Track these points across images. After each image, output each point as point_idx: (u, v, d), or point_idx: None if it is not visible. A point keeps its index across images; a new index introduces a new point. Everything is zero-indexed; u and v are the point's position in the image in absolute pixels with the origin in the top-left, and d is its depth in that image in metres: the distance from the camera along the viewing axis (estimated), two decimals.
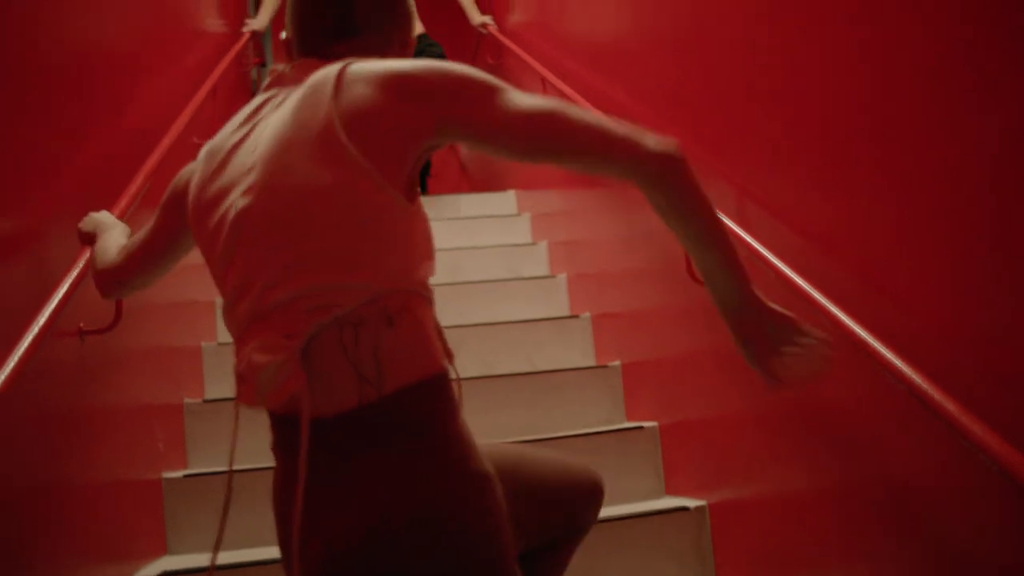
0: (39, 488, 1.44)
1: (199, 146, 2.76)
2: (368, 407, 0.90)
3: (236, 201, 0.99)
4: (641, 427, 2.40)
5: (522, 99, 0.98)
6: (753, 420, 1.87)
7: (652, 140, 0.99)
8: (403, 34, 1.14)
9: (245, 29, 4.04)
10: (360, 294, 0.92)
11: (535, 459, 1.27)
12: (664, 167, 0.98)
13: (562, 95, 2.96)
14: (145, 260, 1.27)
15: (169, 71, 2.65)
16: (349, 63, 1.00)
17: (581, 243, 3.15)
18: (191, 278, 2.72)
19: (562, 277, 3.28)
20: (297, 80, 1.05)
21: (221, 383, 2.70)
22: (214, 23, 3.47)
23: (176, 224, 1.20)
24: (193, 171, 1.13)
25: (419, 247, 0.98)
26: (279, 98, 1.06)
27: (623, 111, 2.48)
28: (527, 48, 3.52)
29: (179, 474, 2.24)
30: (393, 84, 0.96)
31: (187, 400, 2.50)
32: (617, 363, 2.70)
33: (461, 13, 4.29)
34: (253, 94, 4.63)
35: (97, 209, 1.61)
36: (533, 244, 3.64)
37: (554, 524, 1.27)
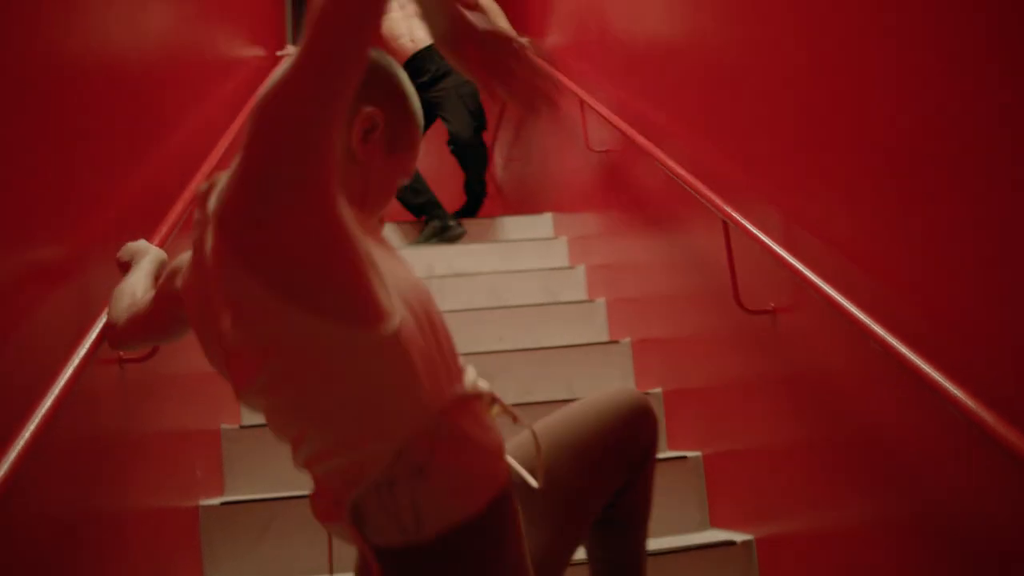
0: (78, 516, 1.42)
1: None
2: (415, 548, 0.95)
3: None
4: (684, 457, 2.35)
5: None
6: (803, 450, 1.81)
7: None
8: None
9: (280, 53, 4.08)
10: (382, 456, 0.95)
11: (567, 425, 1.27)
12: None
13: (600, 117, 2.94)
14: (146, 332, 1.31)
15: (209, 98, 2.67)
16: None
17: (620, 267, 3.10)
18: None
19: (601, 302, 3.24)
20: None
21: None
22: (251, 50, 3.50)
23: (174, 311, 1.20)
24: (184, 264, 1.13)
25: (415, 379, 0.96)
26: None
27: (664, 133, 2.44)
28: (565, 71, 3.50)
29: (216, 501, 2.22)
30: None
31: (224, 426, 2.49)
32: (658, 390, 2.65)
33: None
34: None
35: (137, 238, 1.61)
36: (571, 268, 3.60)
37: (618, 468, 1.26)
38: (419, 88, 3.98)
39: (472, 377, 1.08)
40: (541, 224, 4.13)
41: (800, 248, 1.68)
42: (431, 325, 1.01)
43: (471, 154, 4.07)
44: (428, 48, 4.03)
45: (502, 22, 4.17)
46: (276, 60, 4.00)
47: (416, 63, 4.07)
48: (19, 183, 1.31)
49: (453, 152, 4.08)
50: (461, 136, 3.99)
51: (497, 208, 5.61)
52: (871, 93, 1.49)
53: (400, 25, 4.16)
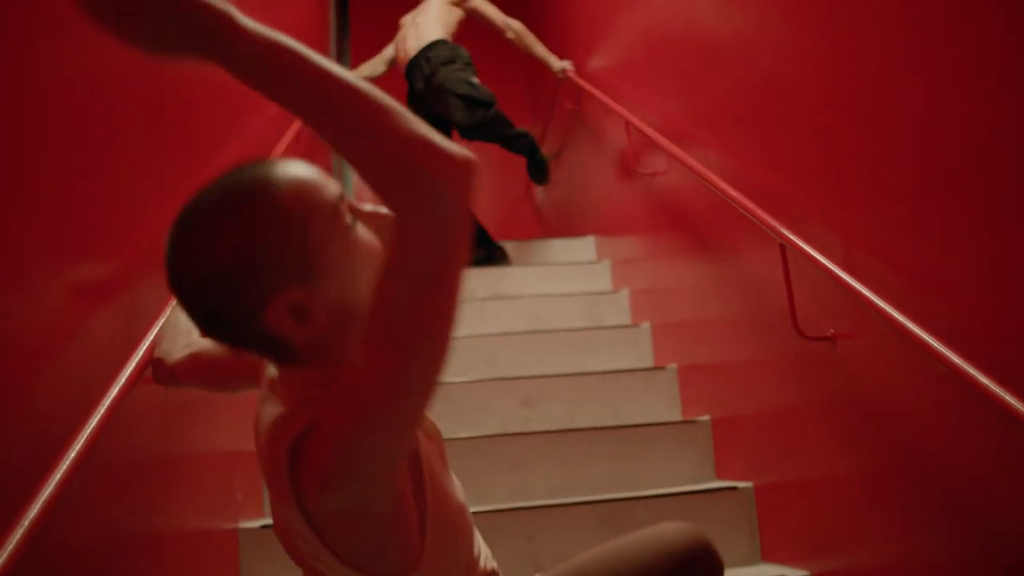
0: (120, 536, 1.40)
1: None
2: None
3: None
4: (735, 487, 2.27)
5: None
6: (862, 481, 1.73)
7: None
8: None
9: None
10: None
11: (608, 562, 1.12)
12: None
13: (645, 138, 2.89)
14: (210, 377, 1.20)
15: (254, 119, 2.68)
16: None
17: (666, 291, 3.04)
18: None
19: (646, 326, 3.18)
20: None
21: None
22: None
23: (252, 370, 1.08)
24: None
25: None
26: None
27: (715, 155, 2.39)
28: (611, 92, 3.47)
29: (256, 524, 2.19)
30: None
31: None
32: (707, 418, 2.58)
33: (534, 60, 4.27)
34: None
35: None
36: (614, 292, 3.54)
37: None
38: (419, 99, 3.94)
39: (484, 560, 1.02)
40: (583, 247, 4.08)
41: (861, 272, 1.62)
42: (454, 538, 0.95)
43: (487, 132, 3.81)
44: (415, 57, 3.96)
45: (539, 48, 4.14)
46: None
47: (408, 74, 4.02)
48: (67, 199, 1.30)
49: (472, 140, 3.82)
50: (464, 124, 3.74)
51: (538, 231, 5.59)
52: (939, 108, 1.43)
53: (401, 39, 4.15)
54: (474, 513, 1.03)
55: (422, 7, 4.14)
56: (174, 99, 1.86)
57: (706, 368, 2.65)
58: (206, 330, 0.87)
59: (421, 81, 3.90)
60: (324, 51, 4.55)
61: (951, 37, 1.40)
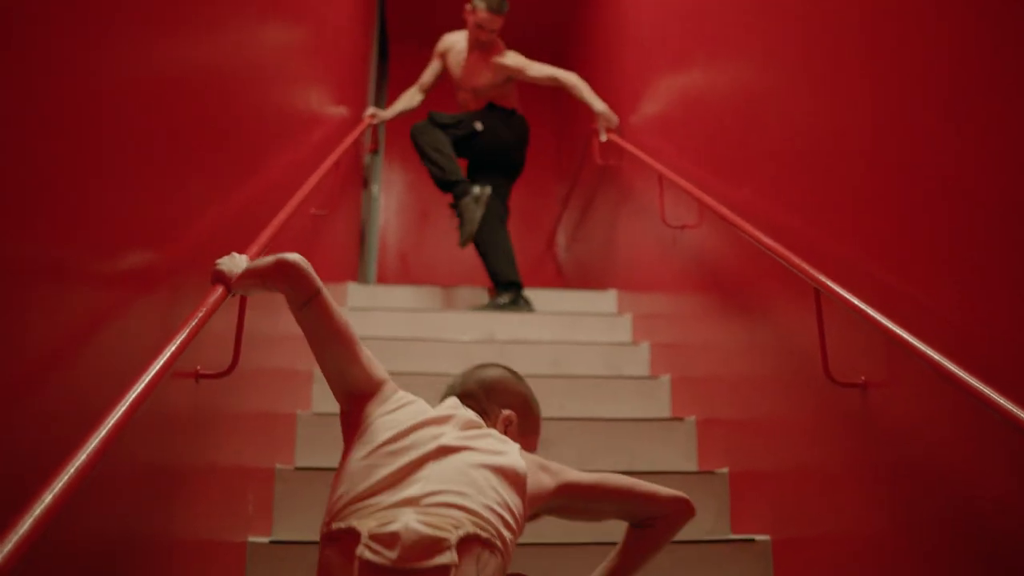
0: (129, 538, 1.38)
1: (317, 216, 2.79)
2: None
3: (444, 440, 1.39)
4: (752, 540, 2.23)
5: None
6: (894, 536, 1.69)
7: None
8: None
9: (366, 115, 4.19)
10: (503, 540, 1.30)
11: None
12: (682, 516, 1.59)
13: (676, 192, 2.93)
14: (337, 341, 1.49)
15: (299, 144, 2.73)
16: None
17: (686, 345, 3.04)
18: (296, 347, 2.72)
19: (665, 379, 3.16)
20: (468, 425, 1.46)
21: (312, 451, 2.65)
22: (336, 108, 3.60)
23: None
24: (385, 380, 1.50)
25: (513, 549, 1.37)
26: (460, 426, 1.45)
27: (746, 208, 2.41)
28: (644, 148, 3.52)
29: (265, 539, 2.17)
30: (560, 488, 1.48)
31: (279, 466, 2.45)
32: (725, 470, 2.55)
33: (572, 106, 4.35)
34: (365, 178, 4.78)
35: (226, 253, 1.61)
36: (634, 344, 3.54)
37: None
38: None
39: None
40: (605, 300, 4.09)
41: (898, 317, 1.61)
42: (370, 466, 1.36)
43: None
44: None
45: (594, 100, 4.17)
46: (358, 118, 4.11)
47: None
48: (121, 189, 1.33)
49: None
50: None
51: (559, 284, 5.61)
52: (971, 152, 1.45)
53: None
54: None
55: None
56: (234, 117, 1.92)
57: (727, 421, 2.63)
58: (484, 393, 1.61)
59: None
60: (364, 89, 4.65)
61: (982, 87, 1.42)
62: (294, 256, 1.44)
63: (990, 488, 1.40)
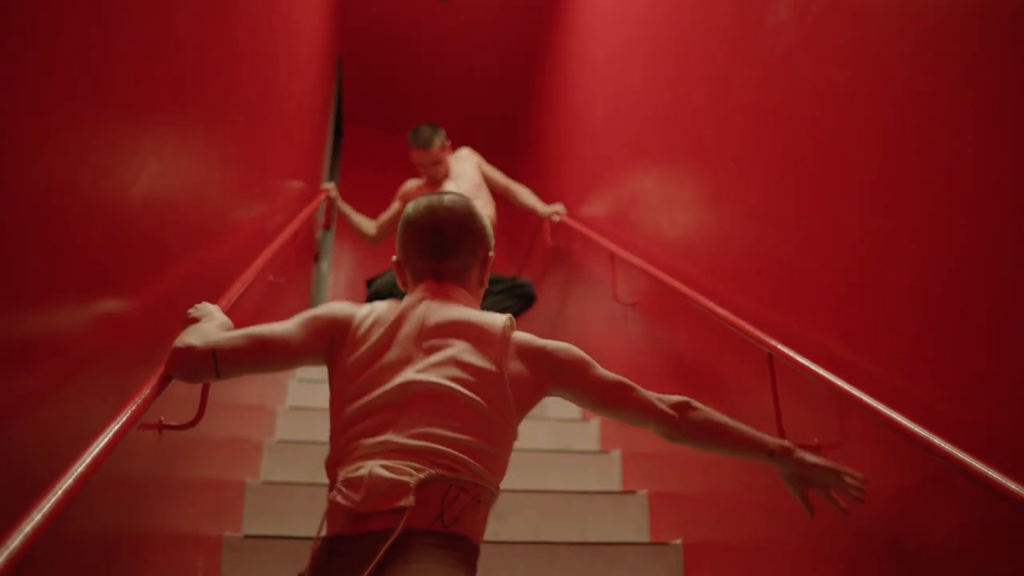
0: None
1: (274, 284, 2.80)
2: (433, 532, 1.26)
3: (411, 374, 1.37)
4: None
5: (604, 371, 1.48)
6: None
7: (669, 403, 1.49)
8: (485, 252, 1.58)
9: (325, 186, 4.26)
10: (474, 476, 1.30)
11: None
12: (683, 424, 1.49)
13: (627, 271, 3.02)
14: (258, 354, 1.40)
15: (262, 209, 2.77)
16: (509, 328, 1.44)
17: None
18: (245, 416, 2.69)
19: (616, 453, 3.19)
20: (445, 295, 1.48)
21: (260, 520, 2.59)
22: (295, 182, 3.65)
23: (316, 347, 1.44)
24: (353, 315, 1.47)
25: (506, 464, 1.42)
26: (430, 304, 1.46)
27: (695, 284, 2.52)
28: (597, 229, 3.64)
29: None
30: (538, 360, 1.43)
31: (227, 534, 2.39)
32: (678, 541, 2.57)
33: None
34: (316, 253, 4.80)
35: (197, 302, 1.62)
36: (584, 421, 3.57)
37: None
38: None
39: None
40: None
41: (845, 378, 1.69)
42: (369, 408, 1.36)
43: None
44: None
45: (530, 199, 4.36)
46: (315, 189, 4.17)
47: None
48: (94, 235, 1.34)
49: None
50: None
51: None
52: (904, 231, 1.56)
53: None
54: None
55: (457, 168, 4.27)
56: (206, 189, 1.96)
57: (679, 494, 2.66)
58: (472, 246, 1.54)
59: None
60: (320, 163, 4.72)
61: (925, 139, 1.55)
62: (191, 310, 1.51)
63: (941, 535, 1.46)
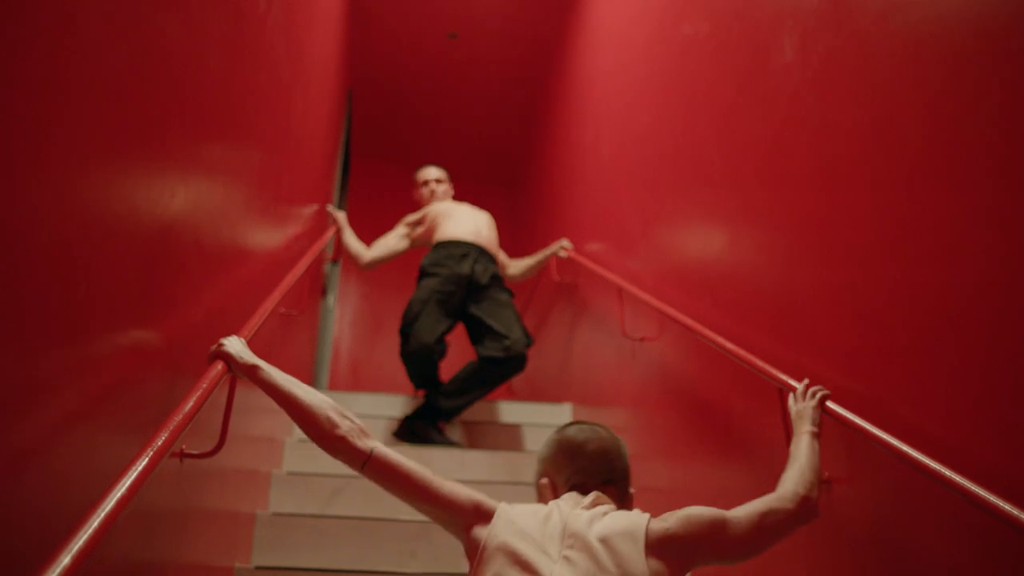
0: None
1: (285, 316, 2.81)
2: None
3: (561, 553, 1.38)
4: None
5: (739, 517, 1.48)
6: None
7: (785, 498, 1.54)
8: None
9: (333, 209, 4.29)
10: None
11: None
12: (803, 508, 1.55)
13: (636, 306, 3.05)
14: (394, 479, 1.50)
15: (280, 235, 2.81)
16: (649, 521, 1.44)
17: (649, 455, 3.10)
18: (256, 448, 2.71)
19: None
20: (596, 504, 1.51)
21: (271, 552, 2.60)
22: (310, 207, 3.70)
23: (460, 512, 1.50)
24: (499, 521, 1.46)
25: None
26: (589, 510, 1.47)
27: (705, 320, 2.54)
28: (605, 265, 3.67)
29: None
30: (675, 547, 1.41)
31: (238, 565, 2.39)
32: None
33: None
34: (324, 286, 4.83)
35: (225, 333, 1.65)
36: None
37: None
38: (458, 281, 3.97)
39: None
40: (560, 413, 4.15)
41: (856, 412, 1.72)
42: None
43: (517, 365, 3.91)
44: (472, 243, 4.14)
45: (529, 259, 4.44)
46: (324, 225, 4.22)
47: (452, 251, 4.10)
48: (123, 264, 1.38)
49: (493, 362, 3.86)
50: (518, 340, 3.89)
51: (507, 395, 5.63)
52: (915, 271, 1.60)
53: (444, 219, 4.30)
54: None
55: (468, 210, 4.31)
56: (226, 215, 1.99)
57: None
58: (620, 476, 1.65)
59: (470, 268, 4.01)
60: (330, 189, 4.77)
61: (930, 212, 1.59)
62: (340, 429, 1.51)
63: (953, 569, 1.48)
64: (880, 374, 1.74)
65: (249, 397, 2.12)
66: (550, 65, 5.62)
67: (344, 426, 1.48)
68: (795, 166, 2.15)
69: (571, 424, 1.69)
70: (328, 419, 1.48)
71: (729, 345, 2.24)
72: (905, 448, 1.50)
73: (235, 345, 1.56)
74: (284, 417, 3.47)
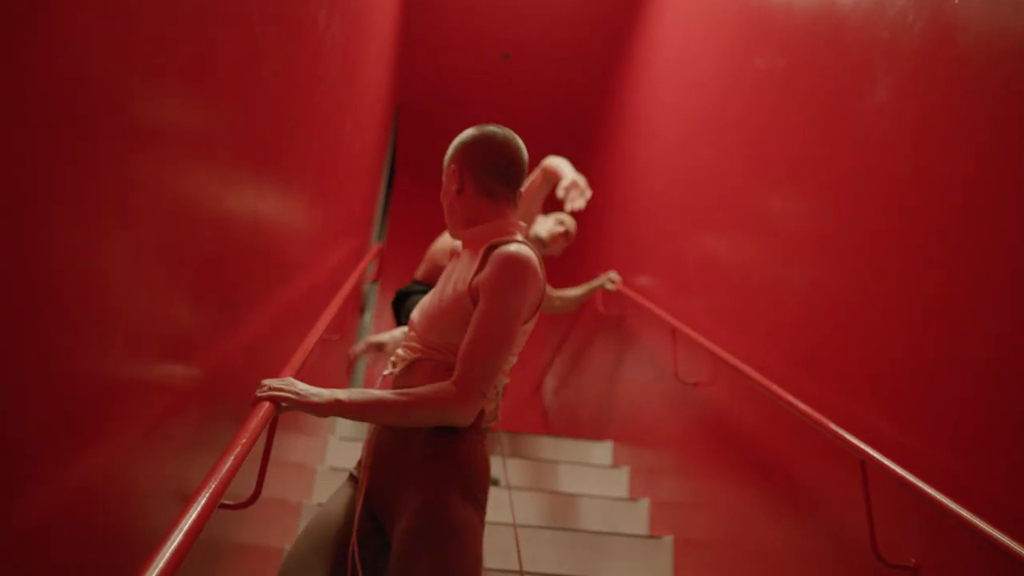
0: None
1: (329, 342, 2.73)
2: None
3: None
4: None
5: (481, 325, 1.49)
6: None
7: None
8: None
9: (375, 244, 4.21)
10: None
11: None
12: None
13: (690, 341, 2.90)
14: None
15: (325, 264, 2.71)
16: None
17: (693, 505, 2.94)
18: (287, 476, 2.60)
19: (667, 539, 3.04)
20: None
21: None
22: (352, 238, 3.62)
23: None
24: None
25: None
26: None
27: (770, 372, 2.40)
28: (658, 302, 3.53)
29: None
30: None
31: None
32: None
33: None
34: (362, 308, 4.74)
35: (262, 371, 1.55)
36: (632, 500, 3.43)
37: None
38: None
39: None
40: (600, 451, 4.00)
41: (941, 489, 1.56)
42: None
43: None
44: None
45: (578, 289, 4.20)
46: (366, 245, 4.13)
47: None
48: (167, 297, 1.28)
49: None
50: None
51: (543, 429, 5.49)
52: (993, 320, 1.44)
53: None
54: None
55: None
56: (278, 241, 1.90)
57: (704, 541, 2.50)
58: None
59: None
60: (371, 222, 4.69)
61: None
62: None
63: None
64: (969, 443, 1.58)
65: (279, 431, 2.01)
66: (604, 90, 5.51)
67: (445, 386, 1.45)
68: (887, 219, 2.00)
69: None
70: (430, 394, 1.45)
71: (802, 406, 2.08)
72: (998, 535, 1.34)
73: (298, 386, 1.43)
74: (316, 445, 3.38)
